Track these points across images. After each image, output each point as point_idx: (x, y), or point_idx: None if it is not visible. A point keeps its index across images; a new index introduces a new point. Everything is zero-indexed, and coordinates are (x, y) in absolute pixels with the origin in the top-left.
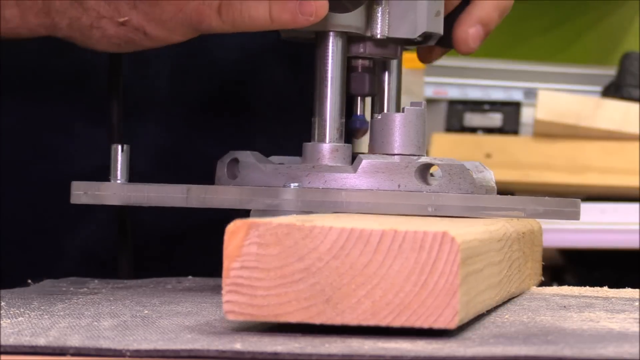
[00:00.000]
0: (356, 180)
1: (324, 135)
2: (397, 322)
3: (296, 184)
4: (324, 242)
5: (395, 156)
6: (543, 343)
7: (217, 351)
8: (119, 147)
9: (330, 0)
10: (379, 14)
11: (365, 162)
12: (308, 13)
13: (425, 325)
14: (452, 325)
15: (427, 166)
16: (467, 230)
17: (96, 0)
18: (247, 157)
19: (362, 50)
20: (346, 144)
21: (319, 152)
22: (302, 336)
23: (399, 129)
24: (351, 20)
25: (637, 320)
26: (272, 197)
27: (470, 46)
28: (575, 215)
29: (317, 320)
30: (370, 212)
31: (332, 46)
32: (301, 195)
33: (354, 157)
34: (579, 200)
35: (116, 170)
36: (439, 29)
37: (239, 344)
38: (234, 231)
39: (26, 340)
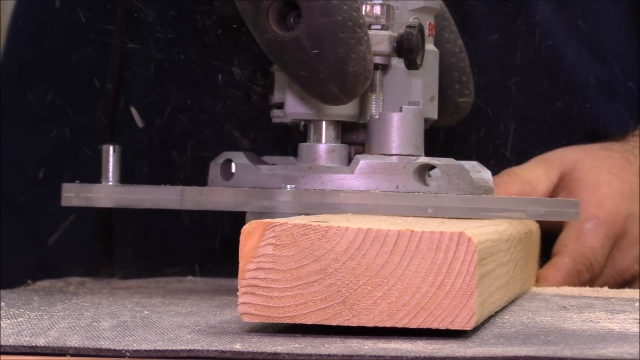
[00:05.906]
0: (354, 181)
1: (320, 135)
2: (414, 324)
3: (292, 186)
4: (340, 243)
5: (393, 156)
6: (543, 343)
7: (217, 351)
8: (110, 147)
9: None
10: (373, 102)
11: (362, 163)
12: None
13: (442, 326)
14: (469, 326)
15: (425, 166)
16: (480, 231)
17: None
18: (240, 158)
19: (355, 137)
20: (343, 144)
21: (315, 153)
22: (302, 336)
23: (396, 129)
24: (345, 109)
25: (637, 321)
26: (269, 198)
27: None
28: (575, 216)
29: (334, 322)
30: (369, 213)
31: (325, 134)
32: (298, 197)
33: (350, 158)
34: (579, 200)
35: (107, 172)
36: (434, 114)
37: (239, 344)
38: (250, 232)
39: (26, 340)
